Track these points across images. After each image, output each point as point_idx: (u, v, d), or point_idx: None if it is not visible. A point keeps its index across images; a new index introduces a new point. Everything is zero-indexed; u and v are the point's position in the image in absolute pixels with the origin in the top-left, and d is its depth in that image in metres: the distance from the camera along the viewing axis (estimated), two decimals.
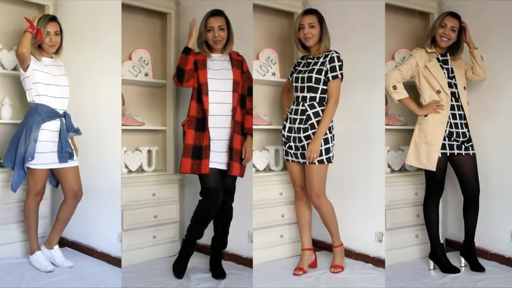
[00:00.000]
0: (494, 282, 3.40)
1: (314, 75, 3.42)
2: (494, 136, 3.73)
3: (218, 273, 3.46)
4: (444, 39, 3.51)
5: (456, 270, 3.54)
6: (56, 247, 3.58)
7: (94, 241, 3.74)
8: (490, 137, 3.73)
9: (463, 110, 3.54)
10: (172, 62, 3.93)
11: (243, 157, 3.40)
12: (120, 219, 3.59)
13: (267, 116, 3.99)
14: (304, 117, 3.42)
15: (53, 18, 3.47)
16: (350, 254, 3.76)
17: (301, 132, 3.43)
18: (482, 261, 3.62)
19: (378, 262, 3.64)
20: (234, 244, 3.64)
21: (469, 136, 3.53)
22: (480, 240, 3.68)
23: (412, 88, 3.65)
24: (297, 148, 3.47)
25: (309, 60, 3.51)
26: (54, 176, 3.56)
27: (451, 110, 3.50)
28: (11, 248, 3.68)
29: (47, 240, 3.59)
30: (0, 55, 3.72)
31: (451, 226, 4.00)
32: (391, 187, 3.71)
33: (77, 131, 3.55)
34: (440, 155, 3.47)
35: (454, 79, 3.56)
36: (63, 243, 3.82)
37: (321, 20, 3.46)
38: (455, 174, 3.58)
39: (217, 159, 3.36)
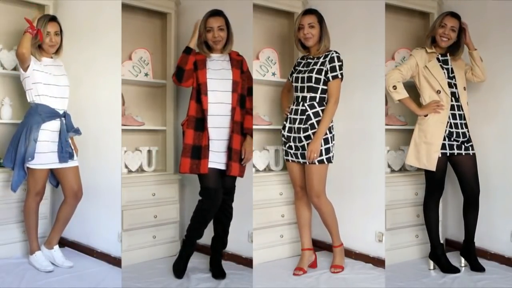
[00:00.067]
0: (494, 282, 3.40)
1: (314, 75, 3.42)
2: (494, 136, 3.73)
3: (218, 273, 3.46)
4: (444, 39, 3.51)
5: (456, 270, 3.54)
6: (56, 247, 3.58)
7: (94, 241, 3.74)
8: (490, 137, 3.73)
9: (463, 110, 3.54)
10: (172, 62, 3.93)
11: (242, 157, 3.40)
12: (120, 219, 3.59)
13: (267, 116, 3.99)
14: (304, 117, 3.42)
15: (53, 18, 3.47)
16: (350, 254, 3.76)
17: (301, 132, 3.43)
18: (482, 261, 3.61)
19: (378, 262, 3.64)
20: (234, 244, 3.64)
21: (469, 136, 3.53)
22: (480, 240, 3.68)
23: (412, 88, 3.64)
24: (297, 148, 3.47)
25: (309, 60, 3.51)
26: (54, 176, 3.56)
27: (451, 110, 3.50)
28: (11, 248, 3.68)
29: (47, 240, 3.59)
30: (0, 55, 3.72)
31: (451, 226, 4.00)
32: (391, 187, 3.71)
33: (77, 131, 3.55)
34: (440, 155, 3.47)
35: (454, 79, 3.55)
36: (63, 243, 3.82)
37: (320, 20, 3.46)
38: (455, 174, 3.58)
39: (216, 159, 3.36)
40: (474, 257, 3.59)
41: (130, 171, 3.84)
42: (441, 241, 3.67)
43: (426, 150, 3.49)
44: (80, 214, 3.60)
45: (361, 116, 3.73)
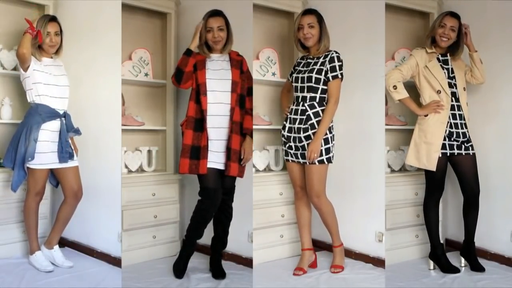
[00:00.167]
0: (494, 282, 3.39)
1: (314, 75, 3.42)
2: (494, 136, 3.73)
3: (218, 273, 3.46)
4: (444, 39, 3.51)
5: (456, 270, 3.54)
6: (56, 247, 3.58)
7: (94, 241, 3.74)
8: (490, 137, 3.73)
9: (463, 110, 3.54)
10: (172, 62, 3.93)
11: (242, 157, 3.40)
12: (120, 219, 3.59)
13: (267, 116, 3.99)
14: (304, 117, 3.42)
15: (53, 18, 3.47)
16: (350, 254, 3.76)
17: (301, 132, 3.43)
18: (482, 261, 3.61)
19: (378, 262, 3.64)
20: (234, 244, 3.64)
21: (469, 136, 3.53)
22: (480, 240, 3.68)
23: (412, 88, 3.64)
24: (297, 148, 3.47)
25: (309, 60, 3.51)
26: (54, 176, 3.56)
27: (451, 110, 3.50)
28: (11, 248, 3.68)
29: (47, 240, 3.59)
30: (0, 55, 3.72)
31: (451, 226, 4.00)
32: (391, 187, 3.71)
33: (77, 131, 3.56)
34: (440, 155, 3.47)
35: (454, 79, 3.55)
36: (63, 243, 3.82)
37: (320, 20, 3.46)
38: (455, 174, 3.58)
39: (216, 159, 3.36)
40: (474, 257, 3.59)
41: (130, 171, 3.84)
42: (441, 241, 3.67)
43: (426, 150, 3.49)
44: (80, 214, 3.60)
45: (361, 116, 3.73)
